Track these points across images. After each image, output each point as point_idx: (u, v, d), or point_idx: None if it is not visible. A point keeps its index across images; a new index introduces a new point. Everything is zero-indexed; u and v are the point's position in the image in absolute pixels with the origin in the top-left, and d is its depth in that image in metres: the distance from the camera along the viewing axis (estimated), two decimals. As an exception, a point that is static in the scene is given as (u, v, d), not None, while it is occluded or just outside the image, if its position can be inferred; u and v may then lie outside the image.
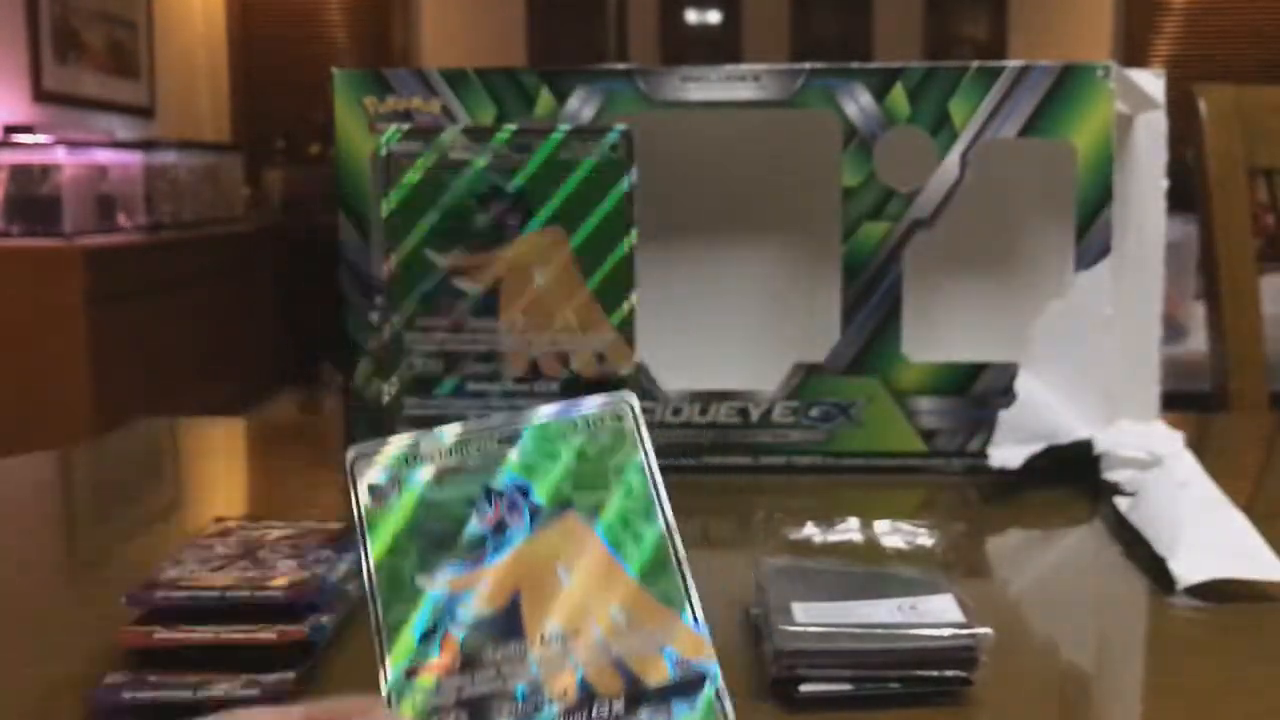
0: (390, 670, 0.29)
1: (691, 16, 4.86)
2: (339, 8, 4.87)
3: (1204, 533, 0.56)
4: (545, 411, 0.33)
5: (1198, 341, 1.52)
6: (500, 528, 0.31)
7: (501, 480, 0.32)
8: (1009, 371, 0.74)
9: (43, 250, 2.96)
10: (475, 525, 0.31)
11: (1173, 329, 1.62)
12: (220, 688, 0.40)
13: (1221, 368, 1.02)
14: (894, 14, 4.71)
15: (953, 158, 0.73)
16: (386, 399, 0.70)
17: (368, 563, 0.30)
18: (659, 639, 0.31)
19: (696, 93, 0.74)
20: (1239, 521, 0.58)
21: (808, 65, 0.73)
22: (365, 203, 0.74)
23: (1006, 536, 0.66)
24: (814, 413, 0.74)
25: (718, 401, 0.75)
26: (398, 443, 0.32)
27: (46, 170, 3.07)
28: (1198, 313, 1.49)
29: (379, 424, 0.71)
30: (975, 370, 0.74)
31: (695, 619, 0.32)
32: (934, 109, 0.73)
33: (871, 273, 0.74)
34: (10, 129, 3.32)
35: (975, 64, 0.73)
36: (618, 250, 0.71)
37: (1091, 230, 0.73)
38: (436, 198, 0.71)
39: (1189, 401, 1.04)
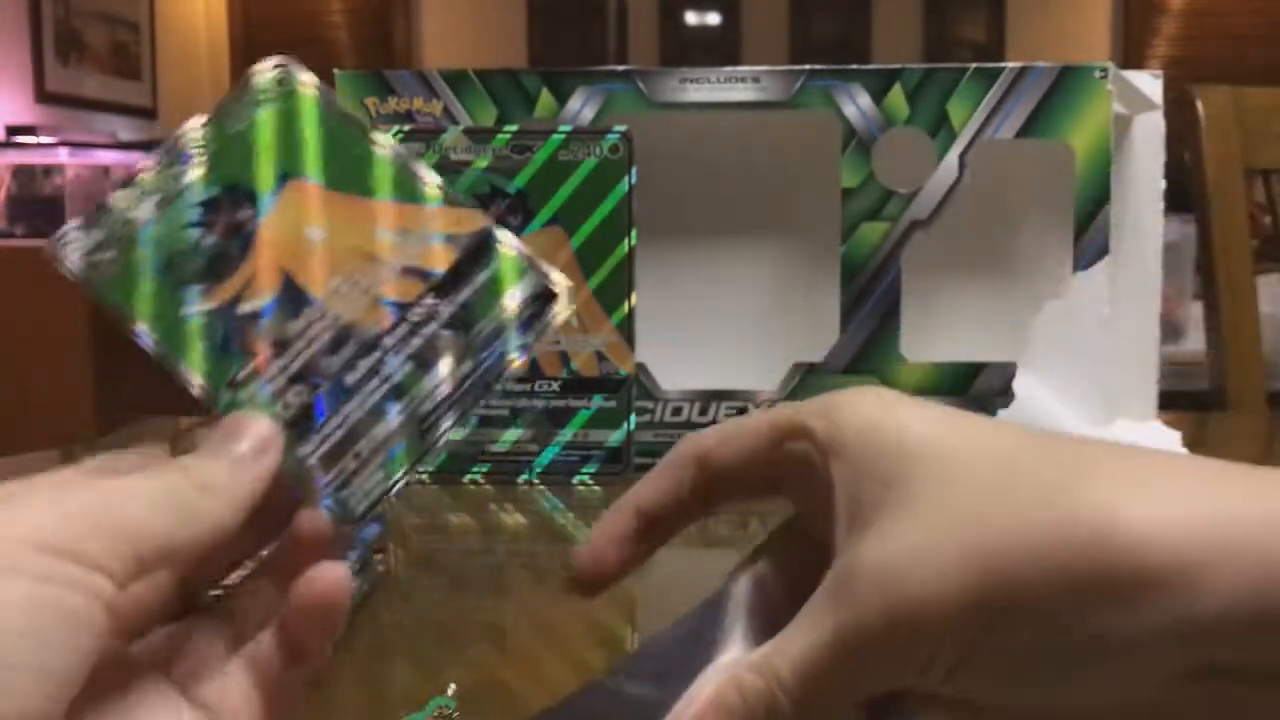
0: (214, 393, 0.30)
1: (691, 18, 4.86)
2: (340, 9, 4.87)
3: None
4: (210, 113, 0.33)
5: (1195, 341, 1.52)
6: (233, 230, 0.31)
7: (208, 190, 0.32)
8: (1007, 371, 0.74)
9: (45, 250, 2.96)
10: (209, 240, 0.31)
11: (1170, 329, 1.62)
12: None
13: (1219, 367, 1.03)
14: (893, 15, 4.72)
15: (951, 158, 0.74)
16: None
17: (134, 328, 0.31)
18: (429, 233, 0.32)
19: (696, 94, 0.75)
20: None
21: (807, 66, 0.74)
22: (367, 203, 0.75)
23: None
24: (813, 412, 0.75)
25: (717, 401, 0.75)
26: (89, 211, 0.31)
27: (49, 171, 3.07)
28: (1195, 313, 1.49)
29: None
30: (974, 370, 0.75)
31: (448, 199, 0.32)
32: (933, 110, 0.73)
33: (870, 273, 0.75)
34: (13, 130, 3.33)
35: (974, 65, 0.74)
36: (618, 250, 0.71)
37: (1089, 231, 0.74)
38: (437, 198, 0.71)
39: (1187, 401, 1.04)
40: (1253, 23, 4.46)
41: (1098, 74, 0.73)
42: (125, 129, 4.02)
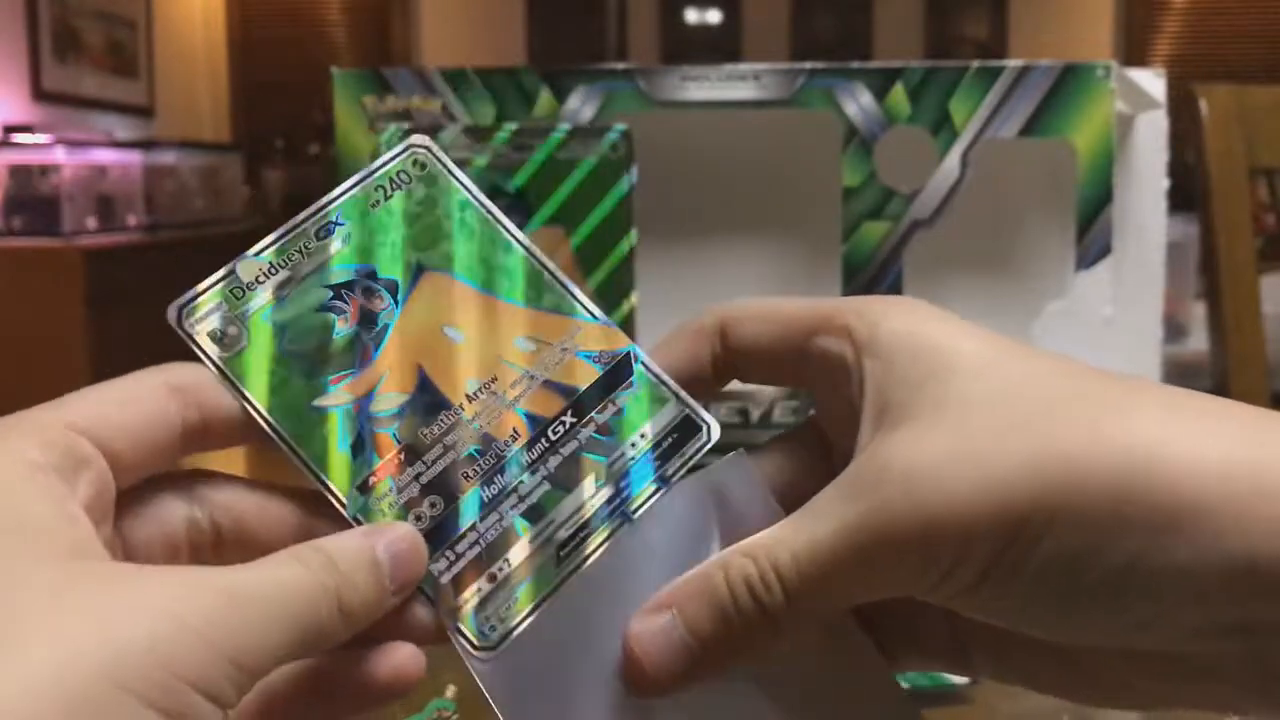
0: (342, 496, 0.28)
1: (691, 16, 4.86)
2: (338, 8, 4.87)
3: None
4: (345, 188, 0.30)
5: (1198, 341, 1.51)
6: (367, 319, 0.29)
7: (341, 273, 0.29)
8: (1009, 372, 0.74)
9: (42, 250, 2.96)
10: (341, 328, 0.29)
11: (1173, 329, 1.62)
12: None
13: (1222, 367, 1.02)
14: (894, 14, 4.71)
15: (953, 157, 0.73)
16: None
17: (256, 411, 0.28)
18: (571, 346, 0.31)
19: (696, 92, 0.74)
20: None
21: (808, 65, 0.73)
22: (364, 203, 0.74)
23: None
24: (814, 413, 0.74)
25: (717, 401, 0.75)
26: (215, 280, 0.29)
27: (45, 170, 3.07)
28: (1198, 312, 1.49)
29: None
30: (976, 370, 0.74)
31: (593, 314, 0.31)
32: (934, 109, 0.73)
33: (872, 273, 0.74)
34: (9, 129, 3.32)
35: (975, 64, 0.73)
36: (618, 250, 0.71)
37: (1092, 230, 0.73)
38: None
39: (1190, 401, 1.04)
40: (1255, 21, 4.46)
41: (1100, 73, 0.72)
42: (122, 128, 4.02)
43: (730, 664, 0.26)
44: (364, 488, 0.28)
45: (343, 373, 0.29)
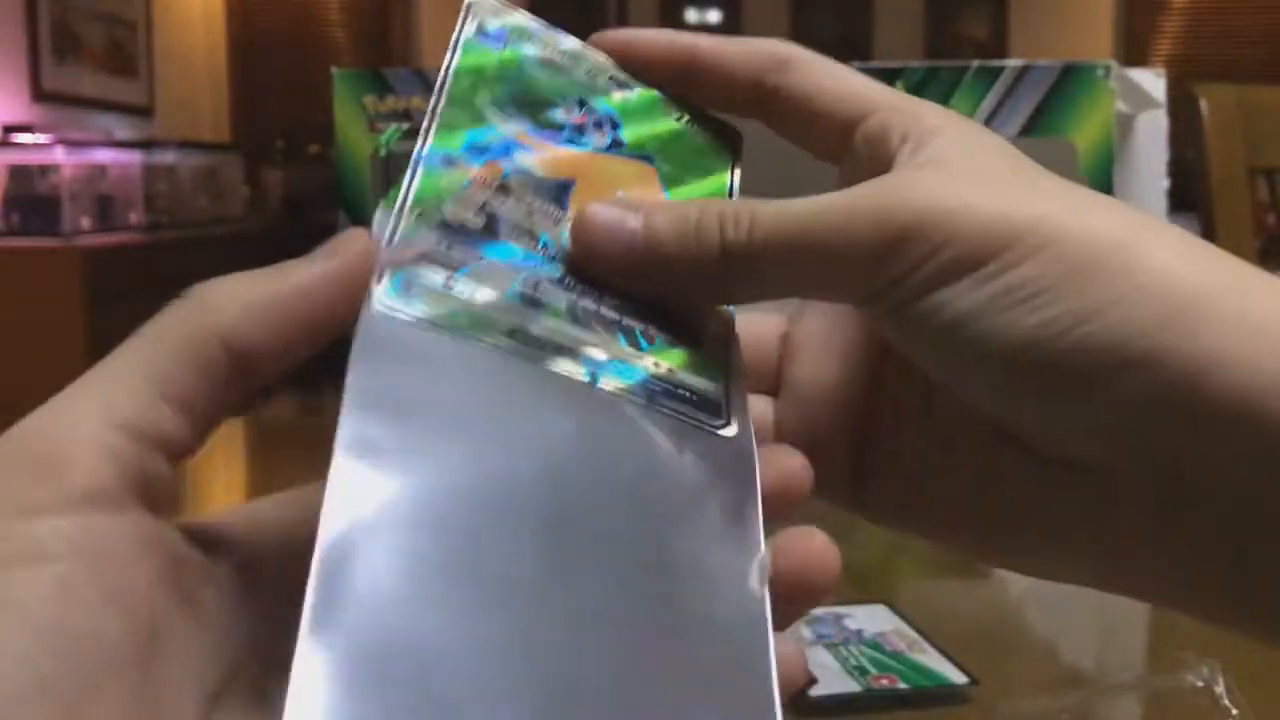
0: (429, 145, 0.27)
1: (691, 16, 4.86)
2: (338, 8, 4.87)
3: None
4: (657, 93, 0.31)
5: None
6: (580, 130, 0.29)
7: (600, 104, 0.30)
8: (1010, 371, 0.74)
9: (42, 250, 2.96)
10: (560, 114, 0.29)
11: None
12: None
13: (1222, 368, 1.02)
14: (894, 14, 4.71)
15: (953, 157, 0.73)
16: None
17: (446, 72, 0.28)
18: None
19: (696, 92, 0.74)
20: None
21: (808, 65, 0.73)
22: (365, 203, 0.74)
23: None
24: (814, 413, 0.74)
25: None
26: (522, 14, 0.30)
27: (45, 170, 3.07)
28: (1198, 312, 1.48)
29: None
30: (976, 370, 0.74)
31: None
32: (934, 108, 0.73)
33: (872, 273, 0.74)
34: (9, 128, 3.32)
35: (976, 63, 0.73)
36: (617, 250, 0.71)
37: (1092, 230, 0.73)
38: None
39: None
40: (1255, 21, 4.46)
41: (1100, 72, 0.72)
42: (122, 127, 4.02)
43: (663, 283, 0.27)
44: (449, 160, 0.27)
45: (527, 124, 0.29)
